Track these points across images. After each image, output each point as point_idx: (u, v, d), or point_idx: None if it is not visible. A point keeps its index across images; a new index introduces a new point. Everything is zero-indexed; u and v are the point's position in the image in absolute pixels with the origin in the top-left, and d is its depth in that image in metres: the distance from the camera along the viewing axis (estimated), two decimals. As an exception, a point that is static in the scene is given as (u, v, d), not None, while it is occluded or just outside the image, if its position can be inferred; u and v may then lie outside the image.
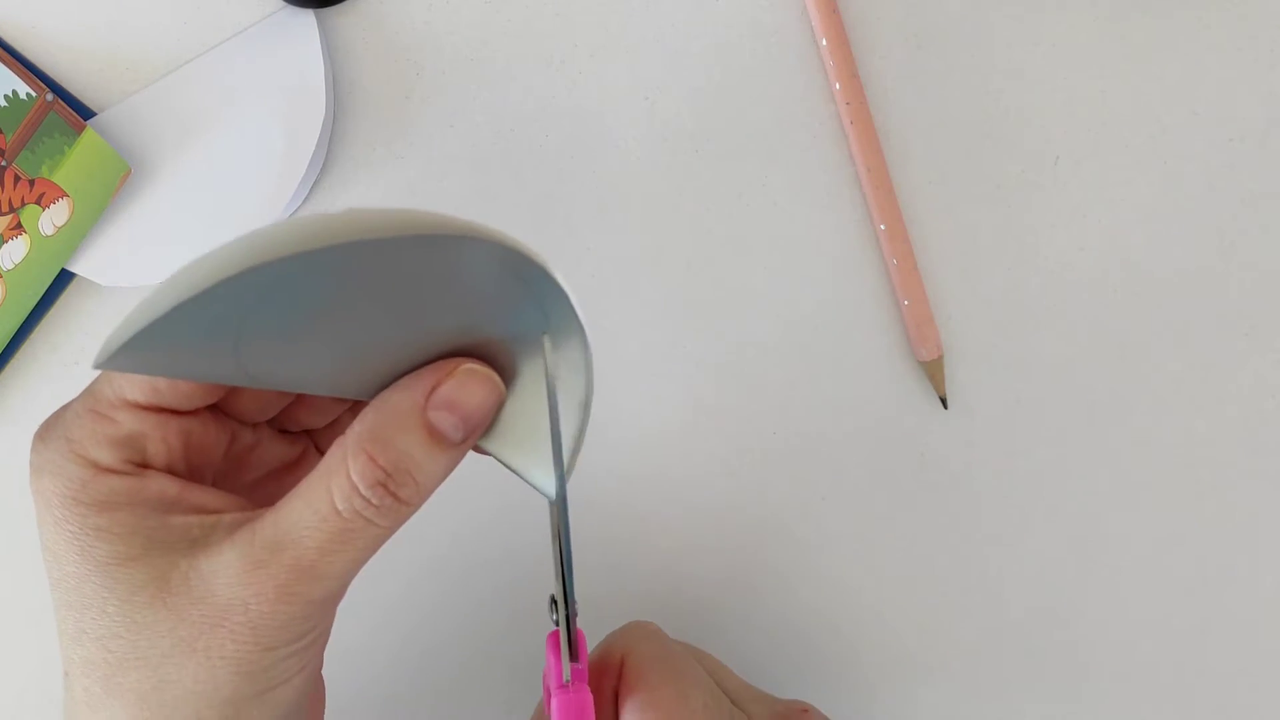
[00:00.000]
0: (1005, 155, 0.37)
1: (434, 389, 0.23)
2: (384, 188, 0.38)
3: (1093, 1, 0.36)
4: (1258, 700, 0.39)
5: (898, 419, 0.38)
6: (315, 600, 0.23)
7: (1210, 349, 0.37)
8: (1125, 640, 0.38)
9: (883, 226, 0.36)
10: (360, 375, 0.24)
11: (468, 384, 0.23)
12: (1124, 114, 0.37)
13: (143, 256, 0.37)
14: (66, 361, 0.38)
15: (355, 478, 0.23)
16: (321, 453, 0.29)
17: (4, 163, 0.35)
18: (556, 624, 0.26)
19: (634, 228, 0.38)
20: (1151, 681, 0.39)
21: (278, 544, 0.23)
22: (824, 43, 0.36)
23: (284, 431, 0.29)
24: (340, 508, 0.23)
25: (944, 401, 0.37)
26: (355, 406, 0.29)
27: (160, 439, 0.25)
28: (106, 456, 0.24)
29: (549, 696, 0.26)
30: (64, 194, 0.35)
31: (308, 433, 0.30)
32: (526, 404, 0.25)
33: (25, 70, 0.36)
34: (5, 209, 0.35)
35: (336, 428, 0.29)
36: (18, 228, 0.35)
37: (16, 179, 0.35)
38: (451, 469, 0.24)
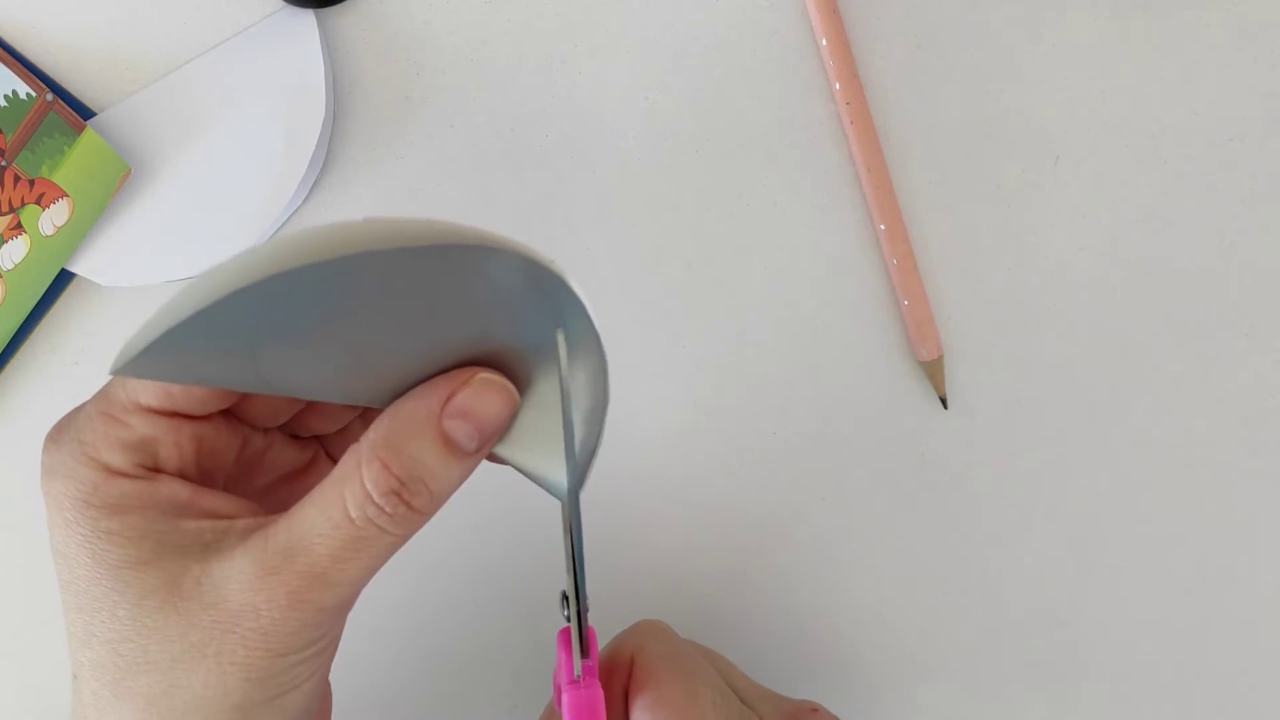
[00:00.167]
0: (1005, 155, 0.37)
1: (449, 398, 0.23)
2: (384, 188, 0.38)
3: (1093, 1, 0.36)
4: (1258, 700, 0.39)
5: (898, 419, 0.38)
6: (327, 607, 0.23)
7: (1210, 349, 0.37)
8: (1125, 640, 0.38)
9: (883, 226, 0.36)
10: (376, 383, 0.24)
11: (483, 393, 0.23)
12: (1124, 114, 0.37)
13: (143, 256, 0.37)
14: (66, 361, 0.38)
15: (369, 485, 0.23)
16: (332, 459, 0.29)
17: (4, 163, 0.35)
18: (568, 620, 0.26)
19: (634, 228, 0.38)
20: (1151, 681, 0.39)
21: (291, 550, 0.23)
22: (824, 43, 0.36)
23: (295, 437, 0.29)
24: (354, 515, 0.23)
25: (944, 401, 0.37)
26: (367, 413, 0.29)
27: (172, 443, 0.25)
28: (118, 460, 0.24)
29: (559, 694, 0.26)
30: (64, 194, 0.35)
31: (318, 438, 0.30)
32: (542, 411, 0.25)
33: (25, 70, 0.36)
34: (5, 209, 0.35)
35: (347, 433, 0.29)
36: (18, 228, 0.35)
37: (16, 179, 0.35)
38: (466, 477, 0.24)
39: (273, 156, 0.36)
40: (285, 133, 0.36)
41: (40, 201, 0.35)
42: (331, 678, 0.29)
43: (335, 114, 0.37)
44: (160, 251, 0.37)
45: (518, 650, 0.39)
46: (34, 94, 0.35)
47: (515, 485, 0.27)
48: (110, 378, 0.25)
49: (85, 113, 0.36)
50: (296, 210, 0.37)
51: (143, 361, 0.21)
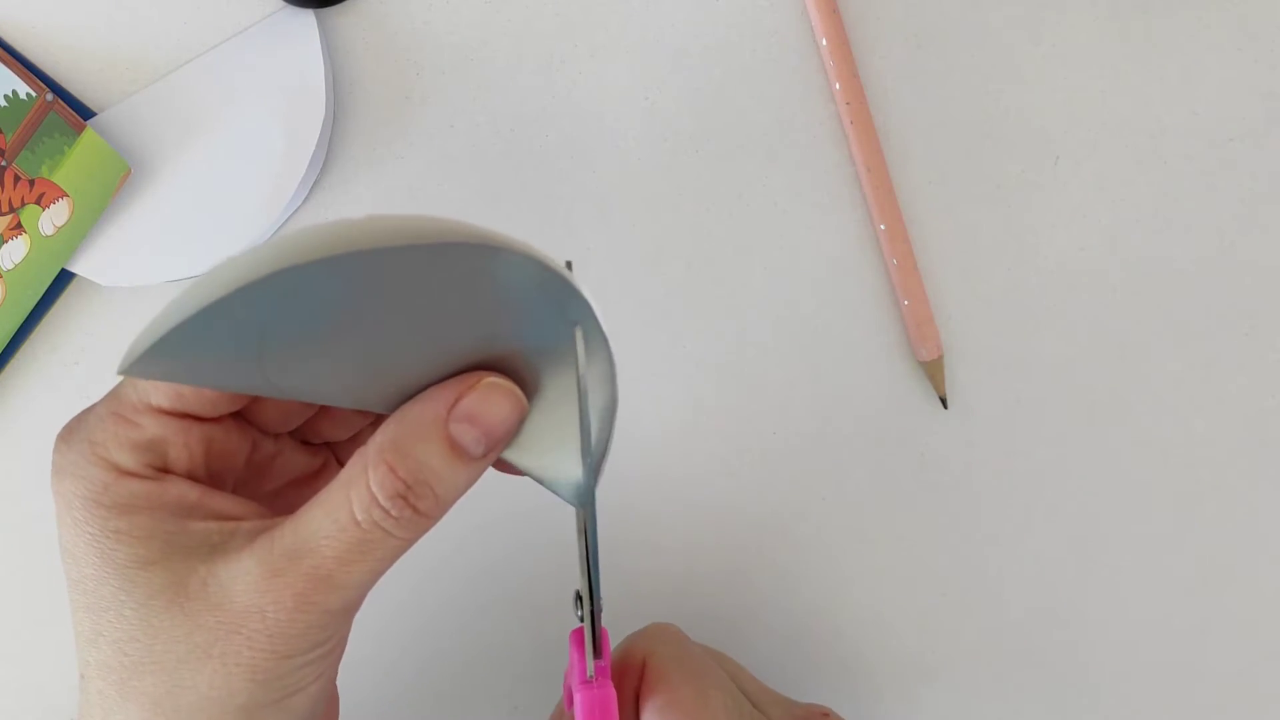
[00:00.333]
0: (1005, 155, 0.37)
1: (456, 402, 0.23)
2: (384, 188, 0.38)
3: (1093, 1, 0.36)
4: (1258, 700, 0.39)
5: (898, 419, 0.38)
6: (333, 610, 0.23)
7: (1210, 349, 0.37)
8: (1125, 640, 0.38)
9: (883, 226, 0.36)
10: (383, 387, 0.24)
11: (490, 397, 0.23)
12: (1124, 114, 0.37)
13: (143, 256, 0.37)
14: (66, 361, 0.38)
15: (375, 488, 0.23)
16: (343, 466, 0.29)
17: (4, 163, 0.35)
18: (581, 620, 0.26)
19: (634, 228, 0.38)
20: (1151, 681, 0.39)
21: (296, 552, 0.23)
22: (824, 43, 0.36)
23: (306, 443, 0.29)
24: (359, 518, 0.23)
25: (944, 401, 0.37)
26: (377, 420, 0.29)
27: (182, 444, 0.25)
28: (128, 460, 0.24)
29: (570, 695, 0.26)
30: (64, 194, 0.35)
31: (329, 445, 0.30)
32: (552, 415, 0.25)
33: (25, 70, 0.36)
34: (5, 209, 0.35)
35: (358, 440, 0.29)
36: (18, 228, 0.35)
37: (16, 179, 0.35)
38: (472, 483, 0.24)
39: (273, 156, 0.36)
40: (285, 133, 0.36)
41: (40, 201, 0.35)
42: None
43: (335, 114, 0.37)
44: (160, 251, 0.37)
45: (519, 651, 0.39)
46: (34, 94, 0.35)
47: (517, 486, 0.27)
48: (121, 378, 0.25)
49: (85, 113, 0.36)
50: (296, 210, 0.37)
51: (148, 361, 0.21)
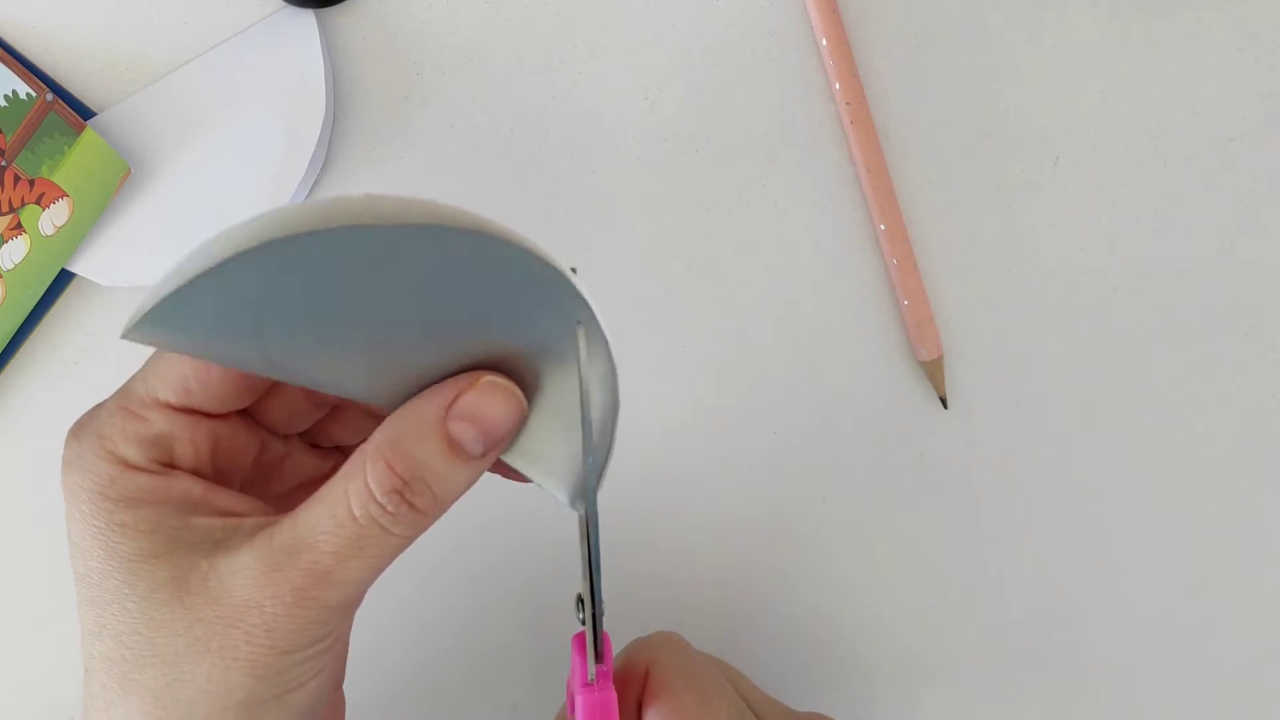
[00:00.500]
0: (1005, 155, 0.37)
1: (455, 400, 0.23)
2: (384, 188, 0.38)
3: (1093, 1, 0.36)
4: (1258, 700, 0.39)
5: (898, 419, 0.38)
6: (331, 605, 0.23)
7: (1210, 349, 0.37)
8: (1125, 640, 0.38)
9: (883, 226, 0.36)
10: (383, 379, 0.24)
11: (489, 396, 0.23)
12: (1124, 114, 0.37)
13: (143, 256, 0.37)
14: (66, 361, 0.38)
15: (372, 484, 0.23)
16: None
17: (4, 163, 0.35)
18: (583, 623, 0.26)
19: (634, 228, 0.38)
20: (1151, 681, 0.39)
21: (295, 548, 0.23)
22: (824, 43, 0.36)
23: (316, 446, 0.29)
24: (357, 513, 0.23)
25: (944, 401, 0.37)
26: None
27: (189, 440, 0.25)
28: (135, 454, 0.24)
29: (573, 700, 0.26)
30: (64, 194, 0.35)
31: (340, 449, 0.30)
32: (552, 419, 0.24)
33: (25, 70, 0.36)
34: (5, 209, 0.35)
35: None
36: (18, 228, 0.35)
37: (16, 179, 0.35)
38: (472, 481, 0.24)
39: (273, 156, 0.36)
40: (285, 133, 0.36)
41: (40, 201, 0.35)
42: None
43: (335, 114, 0.37)
44: (160, 251, 0.37)
45: (519, 651, 0.39)
46: (34, 94, 0.35)
47: (517, 486, 0.27)
48: (132, 377, 0.25)
49: (85, 113, 0.36)
50: (296, 210, 0.37)
51: (149, 327, 0.22)
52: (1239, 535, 0.38)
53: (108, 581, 0.24)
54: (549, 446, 0.25)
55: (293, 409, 0.27)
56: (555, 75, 0.37)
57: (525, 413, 0.24)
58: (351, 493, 0.23)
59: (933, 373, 0.37)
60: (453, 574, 0.39)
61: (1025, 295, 0.37)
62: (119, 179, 0.36)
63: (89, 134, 0.35)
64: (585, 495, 0.25)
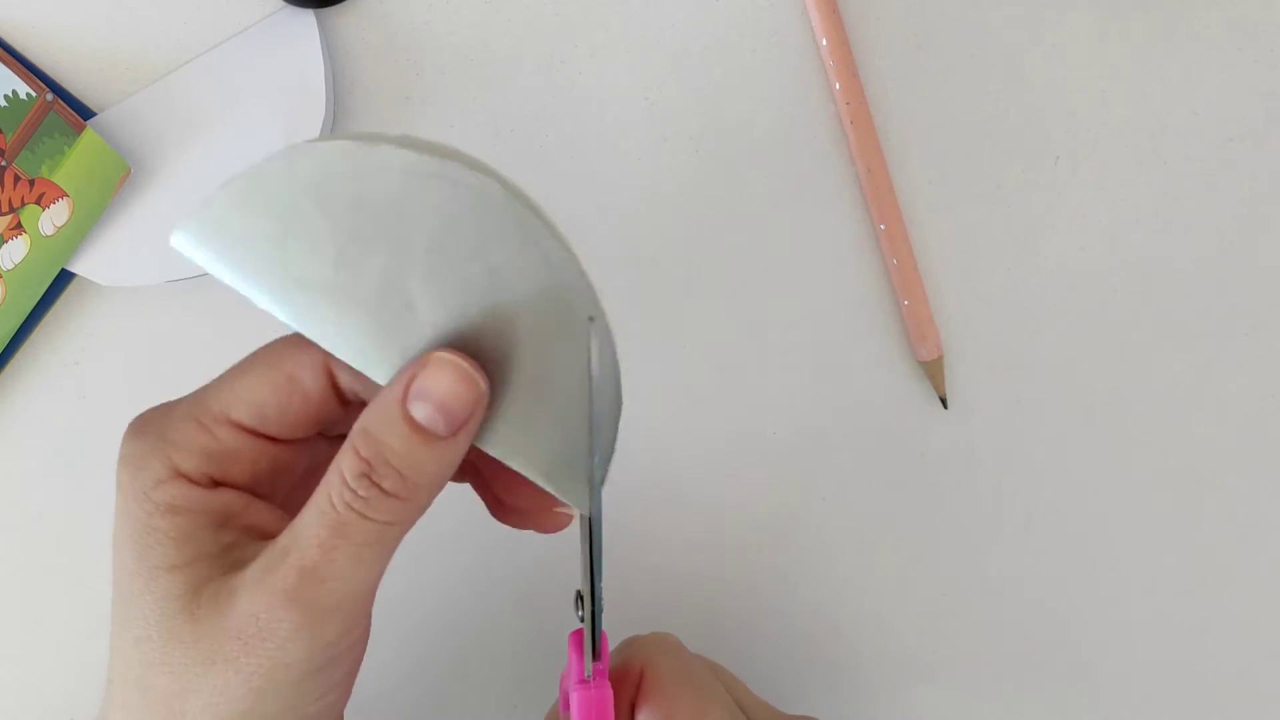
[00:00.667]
0: (1005, 155, 0.37)
1: (411, 381, 0.23)
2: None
3: (1093, 1, 0.36)
4: (1258, 700, 0.39)
5: (898, 419, 0.38)
6: (321, 609, 0.23)
7: (1210, 349, 0.37)
8: (1125, 640, 0.38)
9: (883, 226, 0.36)
10: (385, 348, 0.24)
11: (438, 373, 0.23)
12: (1124, 114, 0.37)
13: (143, 256, 0.37)
14: (66, 361, 0.38)
15: (345, 472, 0.23)
16: None
17: (4, 163, 0.35)
18: (582, 621, 0.26)
19: (634, 228, 0.38)
20: (1151, 681, 0.39)
21: (287, 549, 0.23)
22: (824, 43, 0.36)
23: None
24: (334, 501, 0.23)
25: (944, 401, 0.37)
26: None
27: (250, 461, 0.25)
28: (191, 465, 0.24)
29: (566, 698, 0.26)
30: (64, 194, 0.35)
31: None
32: (556, 415, 0.24)
33: (25, 70, 0.36)
34: (5, 209, 0.35)
35: None
36: (18, 228, 0.35)
37: (16, 179, 0.35)
38: (449, 463, 0.24)
39: (273, 156, 0.36)
40: (285, 133, 0.36)
41: (40, 201, 0.35)
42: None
43: (335, 114, 0.37)
44: (160, 251, 0.37)
45: (518, 650, 0.39)
46: (34, 94, 0.35)
47: (515, 485, 0.27)
48: (209, 386, 0.25)
49: (85, 113, 0.36)
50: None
51: (196, 228, 0.23)
52: (1239, 535, 0.38)
53: (133, 583, 0.24)
54: (552, 446, 0.25)
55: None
56: (555, 75, 0.37)
57: (482, 390, 0.23)
58: (330, 483, 0.23)
59: (933, 373, 0.37)
60: (452, 574, 0.39)
61: (1025, 295, 0.37)
62: (119, 179, 0.36)
63: (89, 134, 0.35)
64: (589, 494, 0.25)
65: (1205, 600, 0.38)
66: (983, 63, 0.37)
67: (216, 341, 0.37)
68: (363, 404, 0.25)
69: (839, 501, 0.38)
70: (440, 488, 0.24)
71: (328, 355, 0.24)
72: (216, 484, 0.25)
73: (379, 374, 0.24)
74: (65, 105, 0.36)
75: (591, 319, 0.23)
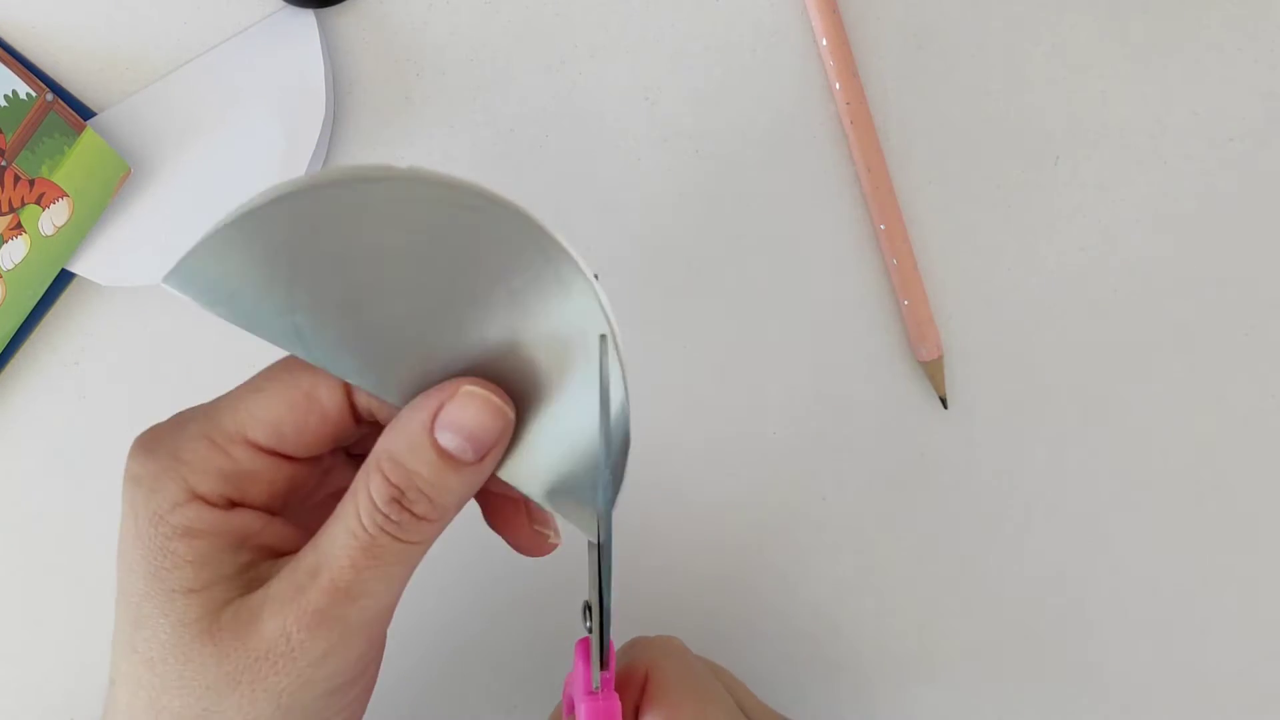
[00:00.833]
0: (1005, 155, 0.37)
1: (439, 410, 0.23)
2: (384, 188, 0.38)
3: (1093, 1, 0.36)
4: (1258, 700, 0.39)
5: (898, 419, 0.38)
6: (352, 625, 0.23)
7: (1210, 349, 0.37)
8: (1125, 640, 0.38)
9: (883, 226, 0.36)
10: (399, 370, 0.24)
11: (467, 406, 0.23)
12: (1124, 114, 0.37)
13: (143, 256, 0.37)
14: (66, 361, 0.38)
15: (374, 494, 0.23)
16: None
17: (4, 163, 0.35)
18: (589, 631, 0.26)
19: (634, 228, 0.38)
20: (1152, 681, 0.39)
21: (316, 568, 0.23)
22: (824, 43, 0.36)
23: (357, 456, 0.29)
24: (366, 525, 0.23)
25: (944, 401, 0.37)
26: None
27: (267, 481, 0.25)
28: (207, 487, 0.24)
29: (570, 703, 0.26)
30: (64, 194, 0.35)
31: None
32: (566, 436, 0.24)
33: (25, 70, 0.36)
34: (5, 209, 0.35)
35: None
36: (18, 228, 0.35)
37: (16, 179, 0.35)
38: (476, 485, 0.24)
39: (273, 156, 0.36)
40: (285, 133, 0.36)
41: (40, 201, 0.35)
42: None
43: (335, 114, 0.37)
44: (160, 251, 0.37)
45: (518, 650, 0.39)
46: (34, 94, 0.35)
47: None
48: (222, 403, 0.25)
49: (85, 113, 0.36)
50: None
51: (190, 269, 0.22)
52: (1239, 535, 0.38)
53: (146, 604, 0.24)
54: (561, 468, 0.25)
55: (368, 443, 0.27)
56: (555, 75, 0.37)
57: (509, 419, 0.24)
58: (359, 504, 0.23)
59: (933, 373, 0.37)
60: (452, 574, 0.39)
61: (1025, 295, 0.37)
62: (119, 179, 0.36)
63: (89, 134, 0.35)
64: (597, 519, 0.25)
65: (1205, 600, 0.38)
66: (983, 63, 0.37)
67: (217, 341, 0.37)
68: (376, 421, 0.25)
69: (839, 501, 0.38)
70: (465, 504, 0.25)
71: None
72: (233, 504, 0.24)
73: (394, 396, 0.24)
74: (65, 105, 0.36)
75: (603, 337, 0.24)
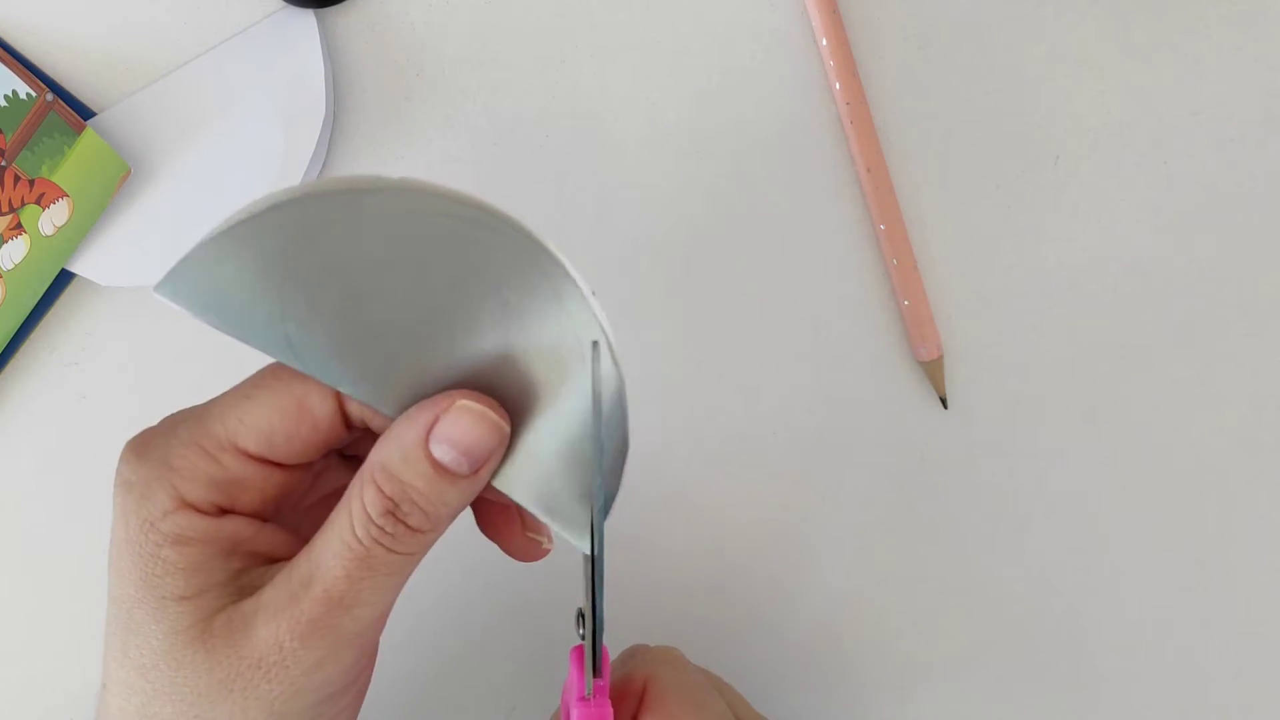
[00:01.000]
0: (1005, 155, 0.37)
1: (434, 423, 0.23)
2: (384, 188, 0.38)
3: (1092, 1, 0.36)
4: (1258, 700, 0.39)
5: (898, 419, 0.38)
6: (345, 634, 0.23)
7: (1210, 349, 0.37)
8: (1125, 640, 0.38)
9: (883, 226, 0.36)
10: (392, 380, 0.24)
11: (462, 421, 0.23)
12: (1124, 114, 0.37)
13: (143, 256, 0.37)
14: (66, 361, 0.38)
15: (368, 506, 0.23)
16: None
17: (4, 163, 0.35)
18: (583, 638, 0.26)
19: (634, 228, 0.38)
20: (1152, 681, 0.39)
21: (310, 577, 0.23)
22: (824, 43, 0.36)
23: (346, 456, 0.29)
24: (359, 534, 0.23)
25: (944, 401, 0.37)
26: None
27: (258, 489, 0.25)
28: (198, 495, 0.24)
29: (568, 711, 0.26)
30: (64, 194, 0.35)
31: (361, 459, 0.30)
32: (559, 448, 0.24)
33: (25, 70, 0.36)
34: (5, 209, 0.35)
35: None
36: (18, 228, 0.35)
37: (16, 179, 0.35)
38: (470, 496, 0.24)
39: (273, 156, 0.36)
40: (285, 133, 0.36)
41: (40, 201, 0.35)
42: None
43: (335, 114, 0.37)
44: (160, 251, 0.37)
45: (517, 651, 0.39)
46: (34, 94, 0.35)
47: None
48: (212, 410, 0.25)
49: (85, 113, 0.36)
50: (296, 210, 0.37)
51: (181, 278, 0.22)
52: (1239, 535, 0.38)
53: (137, 611, 0.24)
54: (554, 479, 0.25)
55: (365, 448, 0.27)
56: (555, 75, 0.37)
57: (505, 433, 0.24)
58: (353, 514, 0.23)
59: (933, 373, 0.37)
60: (451, 575, 0.39)
61: (1025, 295, 0.37)
62: (119, 179, 0.36)
63: (89, 134, 0.35)
64: (590, 525, 0.25)
65: (1205, 600, 0.38)
66: (983, 63, 0.37)
67: (216, 341, 0.37)
68: (368, 428, 0.25)
69: (839, 502, 0.38)
70: (459, 515, 0.25)
71: None
72: (223, 511, 0.24)
73: (387, 406, 0.24)
74: (65, 105, 0.36)
75: (595, 344, 0.24)
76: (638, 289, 0.38)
